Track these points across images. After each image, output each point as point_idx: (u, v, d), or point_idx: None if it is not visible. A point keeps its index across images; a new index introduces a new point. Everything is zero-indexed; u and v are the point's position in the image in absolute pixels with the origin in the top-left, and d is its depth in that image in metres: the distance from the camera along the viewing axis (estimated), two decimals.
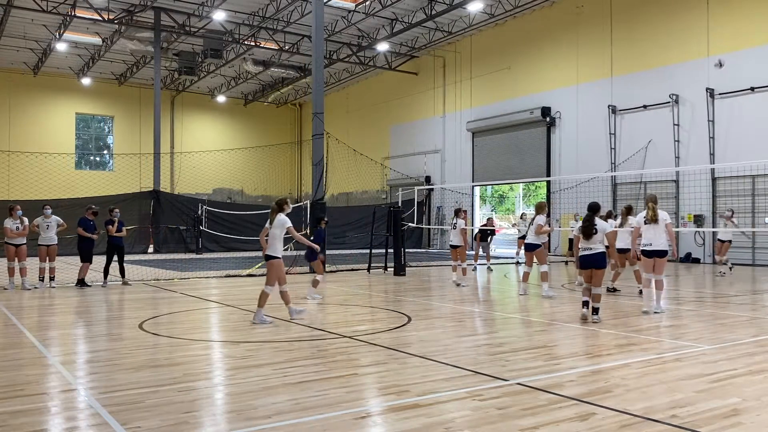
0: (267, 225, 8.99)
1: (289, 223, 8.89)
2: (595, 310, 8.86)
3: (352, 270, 18.56)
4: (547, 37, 27.70)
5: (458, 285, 13.87)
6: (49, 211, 13.83)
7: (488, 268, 19.08)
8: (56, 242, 13.95)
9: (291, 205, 9.12)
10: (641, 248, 9.78)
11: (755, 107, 20.76)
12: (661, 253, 9.64)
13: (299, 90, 42.77)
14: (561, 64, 27.17)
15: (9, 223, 13.53)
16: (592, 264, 8.99)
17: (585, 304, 8.96)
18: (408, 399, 5.01)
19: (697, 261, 21.81)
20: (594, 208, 9.22)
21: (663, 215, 9.57)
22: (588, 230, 8.98)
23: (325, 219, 13.26)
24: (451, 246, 14.44)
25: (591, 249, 8.99)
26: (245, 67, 35.47)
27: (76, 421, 4.57)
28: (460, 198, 31.63)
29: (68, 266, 17.51)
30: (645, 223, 9.76)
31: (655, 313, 9.54)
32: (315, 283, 11.77)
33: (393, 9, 27.85)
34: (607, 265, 9.17)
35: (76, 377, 5.79)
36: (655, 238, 9.62)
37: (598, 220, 9.09)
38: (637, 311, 9.88)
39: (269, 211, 9.08)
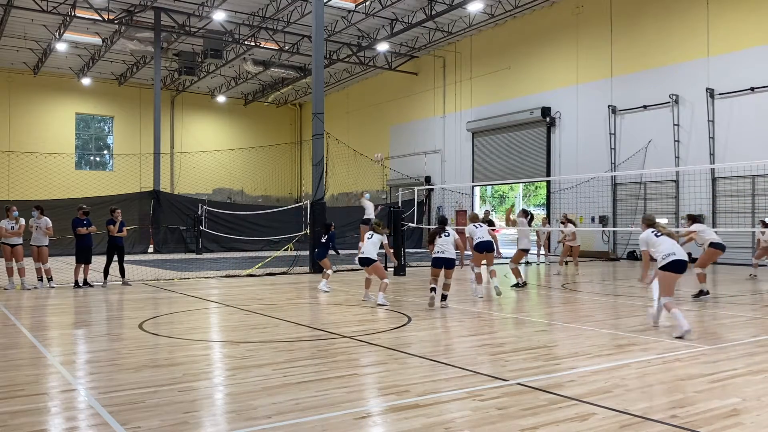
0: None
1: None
2: (444, 297, 10.38)
3: (352, 270, 18.55)
4: (547, 37, 27.69)
5: None
6: (36, 213, 13.69)
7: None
8: (45, 244, 13.77)
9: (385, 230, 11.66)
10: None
11: (755, 107, 20.77)
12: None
13: (299, 90, 42.76)
14: (561, 64, 27.17)
15: (5, 223, 13.53)
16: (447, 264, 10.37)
17: (434, 290, 10.43)
18: (408, 399, 5.01)
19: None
20: (444, 221, 10.97)
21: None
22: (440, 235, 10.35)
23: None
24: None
25: (445, 252, 10.26)
26: (245, 67, 35.47)
27: (76, 421, 4.57)
28: (460, 198, 31.66)
29: (68, 266, 17.47)
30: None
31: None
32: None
33: (393, 9, 27.85)
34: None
35: (76, 377, 5.79)
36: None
37: (450, 230, 10.49)
38: (635, 311, 9.88)
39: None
